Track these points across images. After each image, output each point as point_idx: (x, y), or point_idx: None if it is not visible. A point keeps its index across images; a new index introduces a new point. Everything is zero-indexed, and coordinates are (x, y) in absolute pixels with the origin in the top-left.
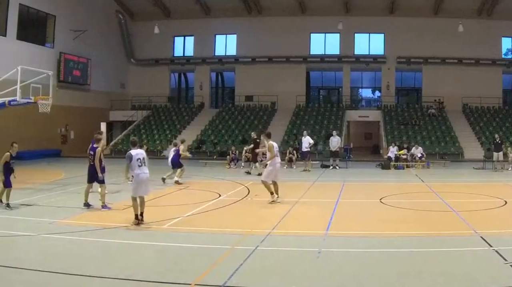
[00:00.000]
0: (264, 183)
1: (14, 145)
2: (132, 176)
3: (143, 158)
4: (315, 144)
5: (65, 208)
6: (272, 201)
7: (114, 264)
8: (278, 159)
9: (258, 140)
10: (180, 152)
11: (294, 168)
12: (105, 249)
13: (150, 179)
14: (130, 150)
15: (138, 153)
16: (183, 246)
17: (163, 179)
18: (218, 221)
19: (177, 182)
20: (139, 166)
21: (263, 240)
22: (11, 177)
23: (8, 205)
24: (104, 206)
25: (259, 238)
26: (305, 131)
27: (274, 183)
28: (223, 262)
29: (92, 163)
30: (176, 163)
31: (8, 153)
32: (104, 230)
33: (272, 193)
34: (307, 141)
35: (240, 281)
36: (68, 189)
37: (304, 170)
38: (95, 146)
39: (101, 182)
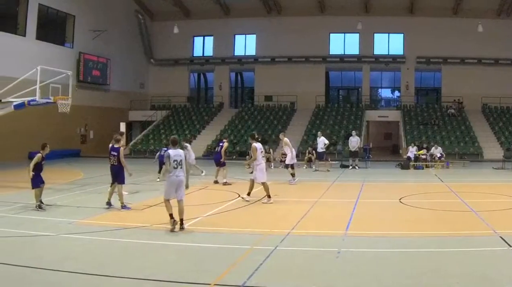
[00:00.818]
0: (263, 184)
1: (46, 147)
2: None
3: (180, 160)
4: (334, 144)
5: (85, 208)
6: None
7: (134, 264)
8: (261, 161)
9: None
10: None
11: (314, 168)
12: (125, 249)
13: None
14: (169, 149)
15: (176, 153)
16: (202, 246)
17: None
18: (238, 221)
19: (225, 183)
20: (174, 168)
21: (283, 240)
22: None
23: (40, 206)
24: (123, 206)
25: (278, 238)
26: (319, 132)
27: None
28: (242, 262)
29: (115, 164)
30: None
31: (40, 154)
32: (123, 230)
33: (269, 196)
34: (322, 141)
35: (259, 281)
36: (88, 189)
37: (316, 170)
38: (115, 146)
39: (121, 182)
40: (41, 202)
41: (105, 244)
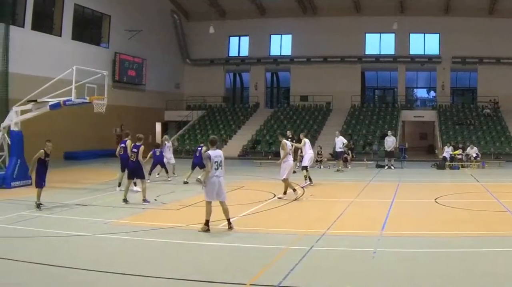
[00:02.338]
0: (284, 181)
1: (47, 143)
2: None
3: (220, 161)
4: (370, 144)
5: (120, 208)
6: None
7: (169, 264)
8: (288, 158)
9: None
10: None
11: (349, 167)
12: (160, 249)
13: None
14: (208, 149)
15: (216, 154)
16: (238, 246)
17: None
18: (274, 221)
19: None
20: (215, 169)
21: (318, 240)
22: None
23: (38, 206)
24: (145, 200)
25: (314, 238)
26: (337, 131)
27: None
28: (278, 262)
29: (134, 160)
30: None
31: (42, 150)
32: (159, 230)
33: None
34: (340, 141)
35: (295, 281)
36: (123, 189)
37: (338, 170)
38: (137, 144)
39: (141, 177)
40: (41, 203)
41: (140, 244)
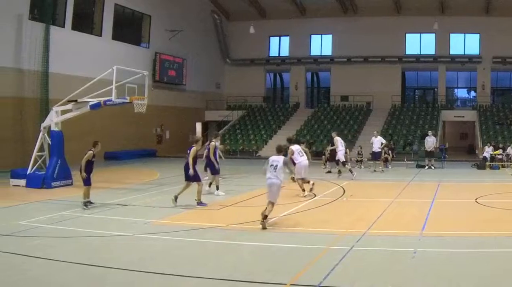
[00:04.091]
0: (298, 181)
1: (98, 145)
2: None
3: (276, 165)
4: (410, 144)
5: (160, 208)
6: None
7: (210, 264)
8: (300, 159)
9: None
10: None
11: (390, 167)
12: (201, 249)
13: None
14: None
15: (274, 159)
16: (278, 246)
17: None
18: (314, 221)
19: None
20: (270, 171)
21: (359, 240)
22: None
23: (86, 204)
24: (199, 203)
25: (354, 238)
26: (375, 131)
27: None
28: (318, 262)
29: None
30: None
31: (91, 151)
32: (199, 230)
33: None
34: (379, 141)
35: (335, 281)
36: (163, 189)
37: (375, 171)
38: (193, 146)
39: (197, 179)
40: (89, 201)
41: (181, 244)
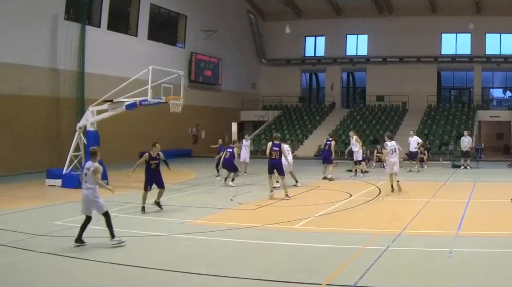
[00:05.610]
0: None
1: (157, 145)
2: None
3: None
4: (446, 144)
5: (196, 208)
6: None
7: (245, 264)
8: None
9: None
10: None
11: (425, 167)
12: (236, 249)
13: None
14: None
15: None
16: (314, 246)
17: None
18: (349, 221)
19: (330, 179)
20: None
21: (394, 240)
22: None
23: (143, 209)
24: (287, 195)
25: (390, 238)
26: (411, 131)
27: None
28: (354, 262)
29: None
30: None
31: (147, 153)
32: (235, 230)
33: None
34: (415, 141)
35: (371, 281)
36: (199, 189)
37: (410, 171)
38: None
39: (280, 172)
40: (144, 206)
41: (216, 244)
